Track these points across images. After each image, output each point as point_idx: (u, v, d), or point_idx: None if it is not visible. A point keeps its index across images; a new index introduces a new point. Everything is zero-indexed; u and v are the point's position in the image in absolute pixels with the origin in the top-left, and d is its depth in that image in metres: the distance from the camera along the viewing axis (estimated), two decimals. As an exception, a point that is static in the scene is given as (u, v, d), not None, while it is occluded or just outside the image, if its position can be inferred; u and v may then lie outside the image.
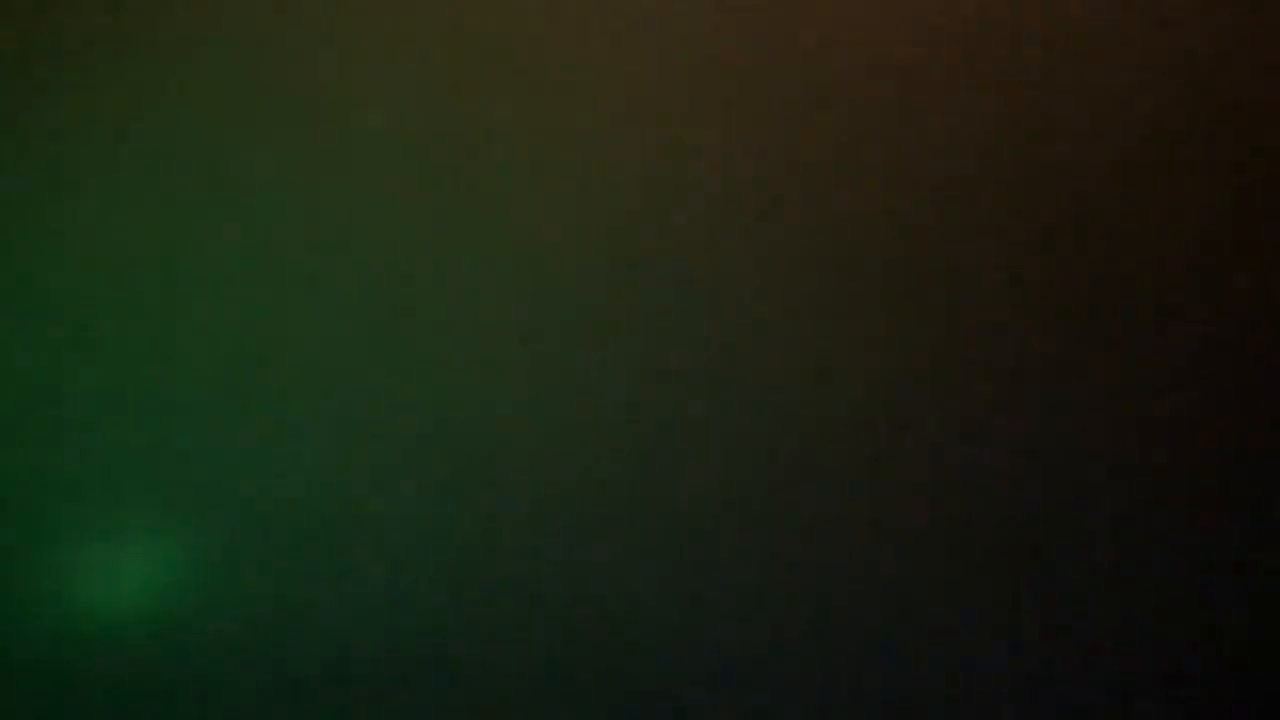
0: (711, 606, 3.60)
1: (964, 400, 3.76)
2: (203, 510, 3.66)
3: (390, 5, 4.04)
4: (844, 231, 3.88)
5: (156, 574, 3.62)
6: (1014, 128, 3.96)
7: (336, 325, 3.81)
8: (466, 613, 3.60)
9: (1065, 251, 3.87)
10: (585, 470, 3.70)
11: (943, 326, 3.82)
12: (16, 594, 3.59)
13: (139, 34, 3.97)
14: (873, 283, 3.85)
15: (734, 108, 3.99)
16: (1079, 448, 3.71)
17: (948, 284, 3.84)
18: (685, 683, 3.55)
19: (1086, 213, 3.89)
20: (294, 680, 3.54)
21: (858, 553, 3.65)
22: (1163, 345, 3.79)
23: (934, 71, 3.99)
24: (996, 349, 3.80)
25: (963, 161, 3.93)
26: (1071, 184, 3.92)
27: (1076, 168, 3.92)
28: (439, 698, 3.53)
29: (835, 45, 4.01)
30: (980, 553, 3.64)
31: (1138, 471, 3.70)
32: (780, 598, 3.61)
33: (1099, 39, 4.02)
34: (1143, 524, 3.67)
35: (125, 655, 3.55)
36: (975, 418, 3.75)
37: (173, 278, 3.84)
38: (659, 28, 4.02)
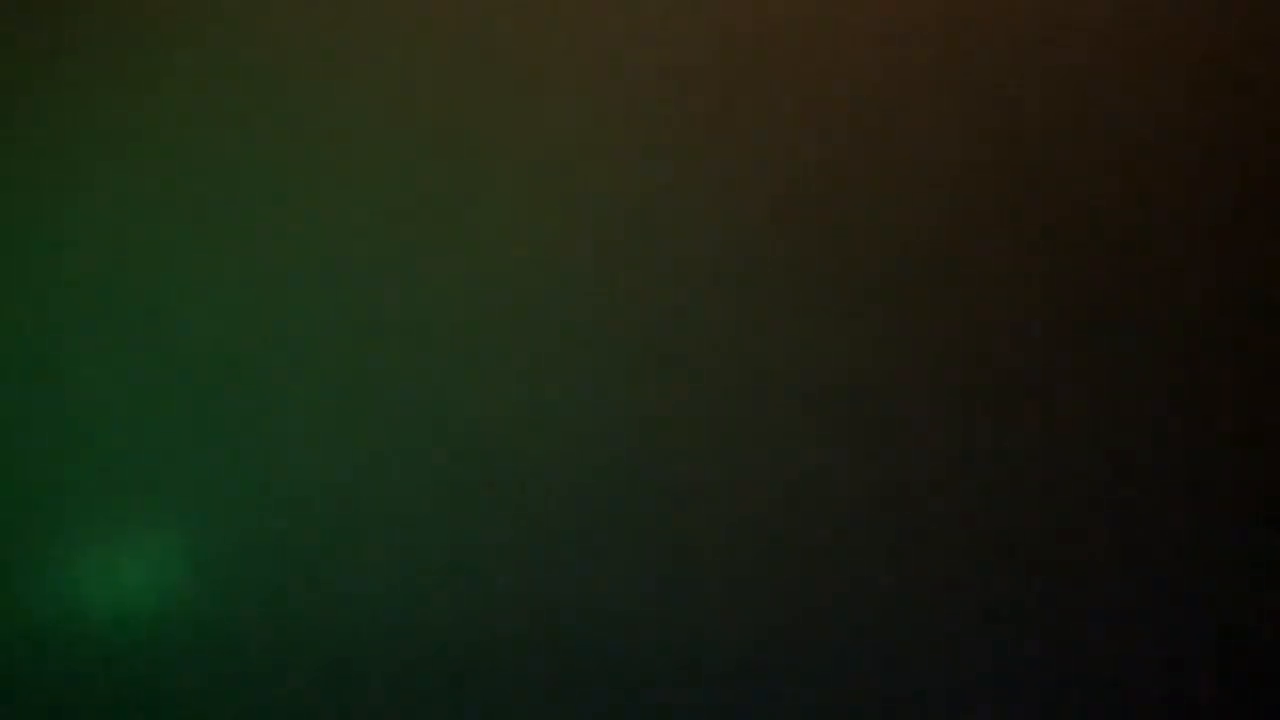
0: (713, 606, 3.60)
1: (964, 400, 3.76)
2: (202, 510, 3.66)
3: (390, 5, 4.05)
4: (845, 231, 3.89)
5: (155, 573, 3.62)
6: (1015, 127, 3.96)
7: (337, 324, 3.82)
8: (467, 612, 3.60)
9: (1065, 251, 3.87)
10: (585, 470, 3.70)
11: (943, 326, 3.82)
12: (15, 593, 3.59)
13: (138, 33, 3.99)
14: (873, 282, 3.85)
15: (734, 107, 4.00)
16: (1078, 447, 3.72)
17: (947, 284, 3.85)
18: (687, 683, 3.54)
19: (1086, 213, 3.90)
20: (294, 679, 3.53)
21: (858, 552, 3.65)
22: (1162, 344, 3.79)
23: (933, 71, 4.00)
24: (996, 349, 3.80)
25: (963, 161, 3.94)
26: (1071, 184, 3.92)
27: (1077, 167, 3.93)
28: (439, 697, 3.53)
29: (835, 44, 4.02)
30: (980, 553, 3.64)
31: (1138, 471, 3.70)
32: (780, 598, 3.61)
33: (1100, 38, 4.03)
34: (1143, 524, 3.67)
35: (124, 654, 3.55)
36: (976, 417, 3.75)
37: (173, 275, 3.85)
38: (658, 27, 4.03)
